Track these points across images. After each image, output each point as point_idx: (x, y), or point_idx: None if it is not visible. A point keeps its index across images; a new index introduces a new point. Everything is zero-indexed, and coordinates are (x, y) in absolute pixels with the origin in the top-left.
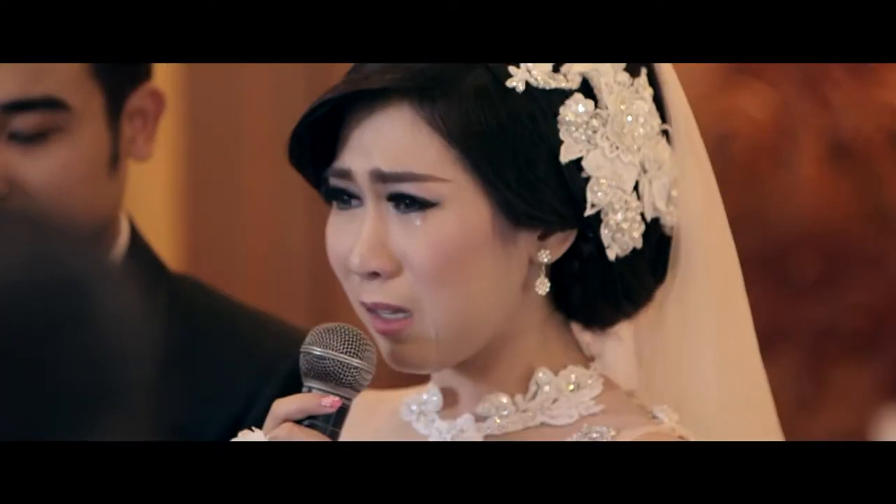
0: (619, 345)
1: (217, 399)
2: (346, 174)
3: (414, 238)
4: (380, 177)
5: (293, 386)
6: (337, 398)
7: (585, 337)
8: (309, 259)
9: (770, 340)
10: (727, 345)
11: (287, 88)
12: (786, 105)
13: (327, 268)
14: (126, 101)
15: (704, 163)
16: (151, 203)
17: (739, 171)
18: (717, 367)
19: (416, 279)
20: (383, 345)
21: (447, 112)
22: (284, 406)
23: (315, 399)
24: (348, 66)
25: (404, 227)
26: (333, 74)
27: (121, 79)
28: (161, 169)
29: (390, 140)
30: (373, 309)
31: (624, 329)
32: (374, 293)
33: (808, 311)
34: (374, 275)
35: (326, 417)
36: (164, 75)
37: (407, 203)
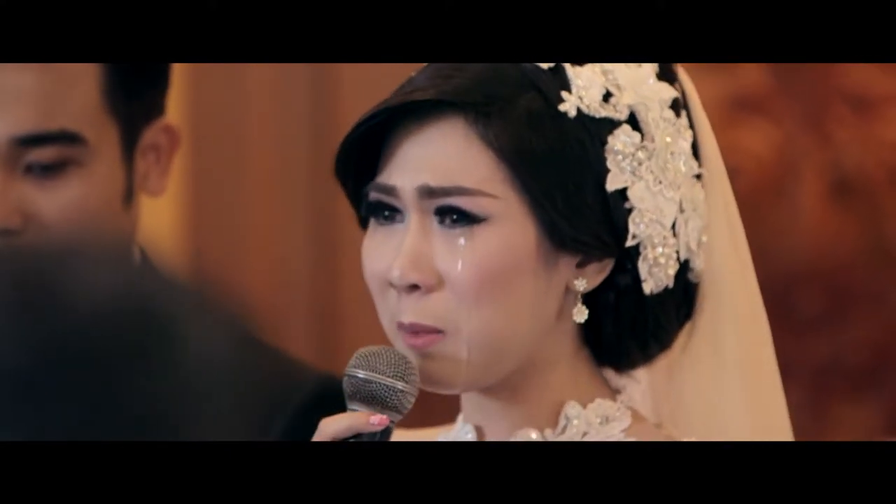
0: (636, 385)
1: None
2: (390, 190)
3: (459, 253)
4: (428, 192)
5: (304, 420)
6: (384, 416)
7: (607, 373)
8: (312, 290)
9: None
10: (753, 391)
11: (292, 115)
12: (788, 141)
13: (330, 298)
14: (140, 136)
15: (733, 211)
16: (153, 231)
17: (742, 207)
18: (742, 414)
19: (457, 295)
20: (413, 362)
21: (501, 131)
22: (333, 425)
23: (363, 418)
24: (352, 66)
25: (448, 243)
26: (337, 103)
27: (135, 114)
28: (164, 203)
29: (441, 154)
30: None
31: (640, 372)
32: (411, 313)
33: (811, 346)
34: (413, 288)
35: (372, 436)
36: (169, 106)
37: (454, 218)
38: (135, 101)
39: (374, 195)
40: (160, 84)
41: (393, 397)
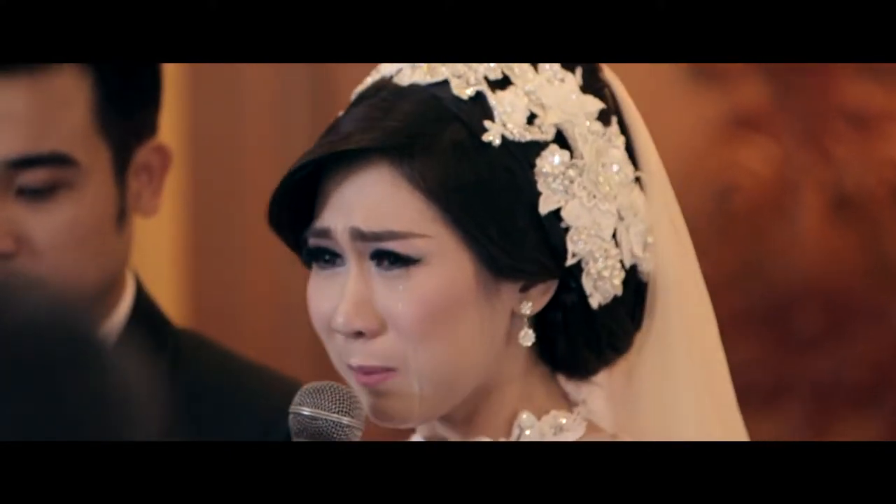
0: (599, 391)
1: None
2: (325, 233)
3: (398, 296)
4: (359, 235)
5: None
6: None
7: (568, 386)
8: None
9: (773, 394)
10: (704, 386)
11: (290, 136)
12: (787, 159)
13: None
14: (132, 156)
15: (675, 208)
16: (152, 258)
17: (741, 225)
18: (695, 408)
19: (401, 337)
20: (366, 399)
21: (426, 169)
22: None
23: None
24: (352, 72)
25: (388, 286)
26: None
27: (127, 134)
28: (162, 223)
29: (370, 198)
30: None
31: (601, 376)
32: (358, 355)
33: (812, 364)
34: (359, 334)
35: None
36: (167, 126)
37: (391, 261)
38: (126, 122)
39: (312, 240)
40: (152, 103)
41: (339, 433)
